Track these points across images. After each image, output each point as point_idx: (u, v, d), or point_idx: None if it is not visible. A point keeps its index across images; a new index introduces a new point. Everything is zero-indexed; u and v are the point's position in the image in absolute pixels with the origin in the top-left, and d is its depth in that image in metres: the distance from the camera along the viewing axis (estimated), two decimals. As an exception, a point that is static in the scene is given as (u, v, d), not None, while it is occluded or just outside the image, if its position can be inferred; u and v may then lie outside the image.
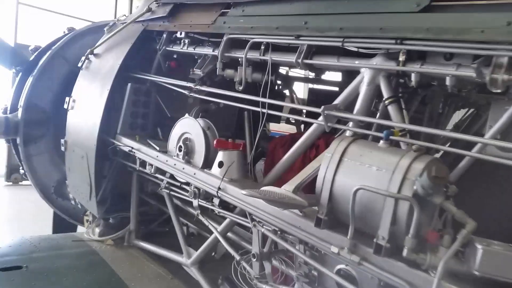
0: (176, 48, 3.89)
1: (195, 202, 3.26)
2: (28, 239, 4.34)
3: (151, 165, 3.71)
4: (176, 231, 3.86)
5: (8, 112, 5.13)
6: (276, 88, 4.50)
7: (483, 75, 1.97)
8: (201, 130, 3.26)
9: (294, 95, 4.75)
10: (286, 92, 4.78)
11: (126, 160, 4.14)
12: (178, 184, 3.55)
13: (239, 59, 3.20)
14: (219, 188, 2.93)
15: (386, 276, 1.96)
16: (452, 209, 1.83)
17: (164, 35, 3.99)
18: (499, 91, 1.96)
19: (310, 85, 5.07)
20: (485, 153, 2.03)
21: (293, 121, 4.66)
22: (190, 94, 3.59)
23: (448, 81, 2.12)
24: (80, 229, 5.50)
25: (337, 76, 4.53)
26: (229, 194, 2.88)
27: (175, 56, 4.03)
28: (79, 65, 4.56)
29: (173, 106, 4.34)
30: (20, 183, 11.13)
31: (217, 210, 3.13)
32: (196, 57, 3.76)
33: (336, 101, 2.60)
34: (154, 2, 4.17)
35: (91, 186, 4.15)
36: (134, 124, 4.16)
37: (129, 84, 4.10)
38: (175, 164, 3.39)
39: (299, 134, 3.84)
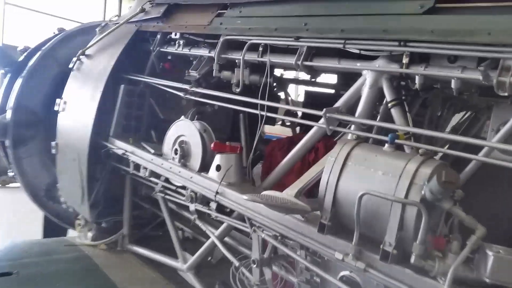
0: (171, 49, 3.82)
1: (192, 207, 3.20)
2: (18, 244, 4.28)
3: (146, 168, 3.64)
4: (171, 236, 3.79)
5: (-4, 114, 5.01)
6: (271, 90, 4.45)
7: (490, 78, 1.94)
8: (198, 132, 3.20)
9: (289, 97, 4.71)
10: (281, 94, 4.75)
11: (119, 163, 4.06)
12: (174, 187, 3.49)
13: (236, 61, 3.15)
14: (217, 192, 2.87)
15: (392, 283, 1.92)
16: (461, 214, 1.80)
17: (158, 36, 3.92)
18: (505, 94, 1.94)
19: (305, 87, 5.04)
20: (491, 157, 2.01)
21: (288, 124, 4.63)
22: (186, 96, 3.53)
23: (453, 84, 2.09)
24: (71, 232, 5.41)
25: (331, 78, 4.51)
26: (227, 198, 2.83)
27: (169, 58, 3.96)
28: (70, 66, 4.46)
29: (166, 108, 4.27)
30: (7, 185, 10.93)
31: (214, 214, 3.08)
32: (191, 59, 3.70)
33: (338, 104, 2.56)
34: (148, 3, 4.11)
35: (83, 190, 4.07)
36: (128, 127, 4.08)
37: (122, 86, 4.03)
38: (170, 168, 3.32)
39: (297, 137, 3.80)
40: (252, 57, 3.02)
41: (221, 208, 3.05)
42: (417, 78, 2.21)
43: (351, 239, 2.03)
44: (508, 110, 2.24)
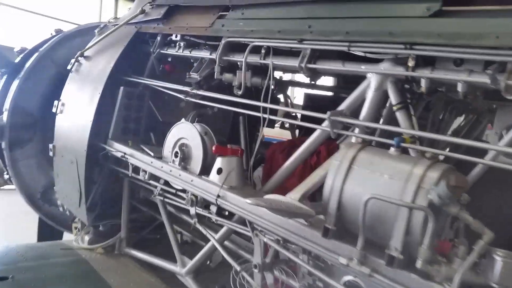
0: (171, 51, 3.79)
1: (192, 210, 3.16)
2: (14, 248, 4.19)
3: (145, 171, 3.60)
4: (170, 239, 3.75)
5: (-9, 116, 4.96)
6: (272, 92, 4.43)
7: (498, 81, 1.93)
8: (199, 135, 3.17)
9: (289, 100, 4.69)
10: (280, 97, 4.73)
11: (117, 165, 4.01)
12: (173, 191, 3.45)
13: (238, 63, 3.12)
14: (218, 196, 2.84)
15: (398, 289, 1.90)
16: (469, 219, 1.78)
17: (158, 38, 3.89)
18: (513, 97, 1.92)
19: (303, 90, 5.02)
20: (498, 161, 1.99)
21: (287, 126, 4.60)
22: (186, 98, 3.50)
23: (460, 87, 2.07)
24: (67, 236, 5.36)
25: (328, 81, 4.49)
26: (229, 202, 2.79)
27: (169, 59, 3.93)
28: (69, 67, 4.42)
29: (165, 110, 4.24)
30: (1, 188, 10.83)
31: (215, 218, 3.04)
32: (192, 61, 3.67)
33: (341, 107, 2.54)
34: (148, 4, 4.07)
35: (81, 193, 4.02)
36: (127, 129, 4.03)
37: (122, 88, 3.98)
38: (171, 171, 3.28)
39: (298, 140, 3.78)
40: (255, 59, 3.00)
41: (220, 212, 3.02)
42: (423, 81, 2.19)
43: (355, 243, 2.01)
44: None
